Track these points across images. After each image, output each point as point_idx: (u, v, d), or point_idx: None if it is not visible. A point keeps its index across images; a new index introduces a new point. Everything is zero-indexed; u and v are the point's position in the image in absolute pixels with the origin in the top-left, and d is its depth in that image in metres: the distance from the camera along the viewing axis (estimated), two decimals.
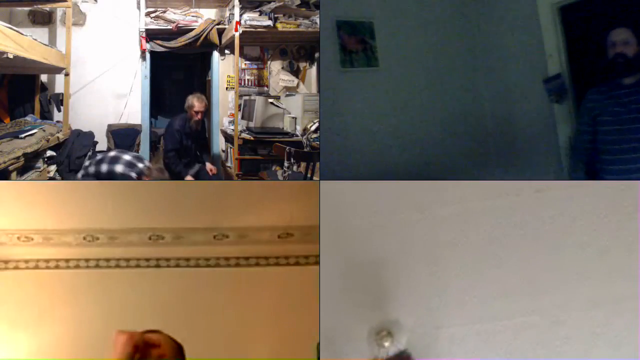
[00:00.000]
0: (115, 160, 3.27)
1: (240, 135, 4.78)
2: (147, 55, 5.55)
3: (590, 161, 2.58)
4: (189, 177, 4.45)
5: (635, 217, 1.94)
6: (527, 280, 1.95)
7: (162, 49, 5.51)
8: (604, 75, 2.60)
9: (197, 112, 4.39)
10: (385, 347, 1.77)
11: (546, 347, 1.94)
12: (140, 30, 5.43)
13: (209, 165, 4.67)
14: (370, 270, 1.97)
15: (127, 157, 3.32)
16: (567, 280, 1.94)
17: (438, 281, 1.96)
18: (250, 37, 5.18)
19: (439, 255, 1.96)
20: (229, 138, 5.23)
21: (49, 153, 4.33)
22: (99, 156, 3.42)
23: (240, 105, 5.26)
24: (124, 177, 3.15)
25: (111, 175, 3.19)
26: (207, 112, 4.77)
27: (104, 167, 3.24)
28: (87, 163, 3.45)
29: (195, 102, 4.41)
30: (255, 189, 2.38)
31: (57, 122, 4.97)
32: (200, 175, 4.57)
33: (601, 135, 2.51)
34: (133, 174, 3.18)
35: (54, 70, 4.85)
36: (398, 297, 1.96)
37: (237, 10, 4.77)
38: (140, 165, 3.28)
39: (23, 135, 3.88)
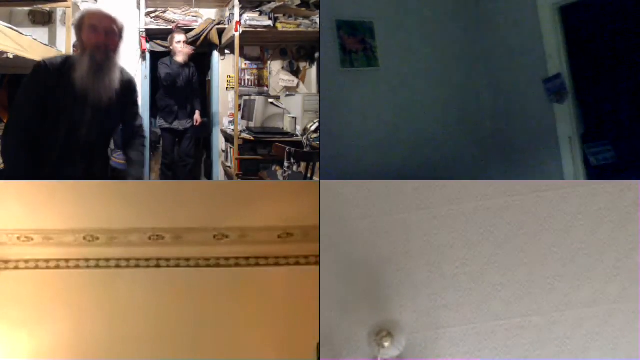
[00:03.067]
0: None
1: (240, 135, 4.78)
2: (147, 55, 5.55)
3: None
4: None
5: (635, 217, 1.95)
6: (527, 280, 1.95)
7: (162, 49, 5.51)
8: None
9: (178, 42, 4.67)
10: (385, 348, 1.77)
11: (545, 347, 1.94)
12: (140, 30, 5.43)
13: (197, 116, 5.06)
14: (369, 271, 1.97)
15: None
16: (566, 280, 1.95)
17: (438, 281, 1.96)
18: (250, 37, 5.18)
19: (439, 256, 1.96)
20: (229, 138, 5.23)
21: None
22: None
23: (240, 105, 5.27)
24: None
25: None
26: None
27: None
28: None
29: (174, 35, 4.83)
30: (255, 189, 2.38)
31: None
32: (188, 131, 4.86)
33: None
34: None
35: None
36: (398, 298, 1.96)
37: (237, 10, 4.77)
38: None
39: None
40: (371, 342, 1.79)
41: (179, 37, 4.99)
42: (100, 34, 2.21)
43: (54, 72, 2.21)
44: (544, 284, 1.94)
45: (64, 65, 2.23)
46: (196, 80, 5.37)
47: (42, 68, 2.23)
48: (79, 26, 2.25)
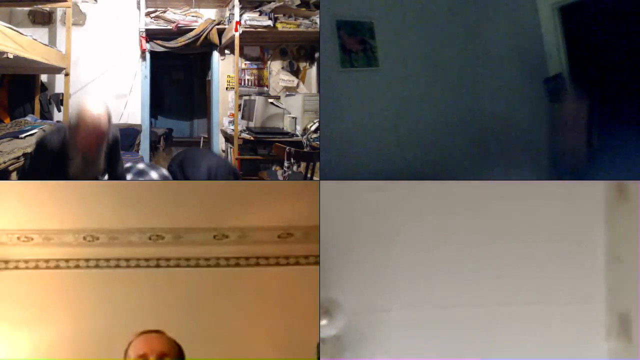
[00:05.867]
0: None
1: (240, 135, 4.78)
2: (147, 55, 5.55)
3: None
4: None
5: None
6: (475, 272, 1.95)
7: (162, 49, 5.51)
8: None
9: None
10: (322, 326, 1.75)
11: (486, 338, 1.94)
12: (140, 30, 5.43)
13: None
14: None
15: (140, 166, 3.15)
16: (514, 277, 1.95)
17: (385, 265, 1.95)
18: (250, 37, 5.18)
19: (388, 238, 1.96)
20: (229, 138, 5.23)
21: None
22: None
23: (240, 105, 5.27)
24: None
25: None
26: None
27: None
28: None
29: None
30: (255, 189, 2.38)
31: (57, 122, 4.97)
32: None
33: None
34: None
35: (54, 70, 4.86)
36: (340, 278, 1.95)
37: (237, 10, 4.77)
38: (153, 173, 3.08)
39: (23, 135, 3.88)
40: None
41: None
42: (92, 139, 2.44)
43: (53, 152, 2.47)
44: (491, 279, 1.94)
45: (61, 147, 2.47)
46: None
47: (43, 147, 2.49)
48: (75, 126, 2.42)
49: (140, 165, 3.10)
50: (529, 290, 1.95)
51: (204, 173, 3.02)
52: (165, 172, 3.05)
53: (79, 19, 5.37)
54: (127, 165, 3.08)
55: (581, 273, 1.95)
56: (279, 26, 5.03)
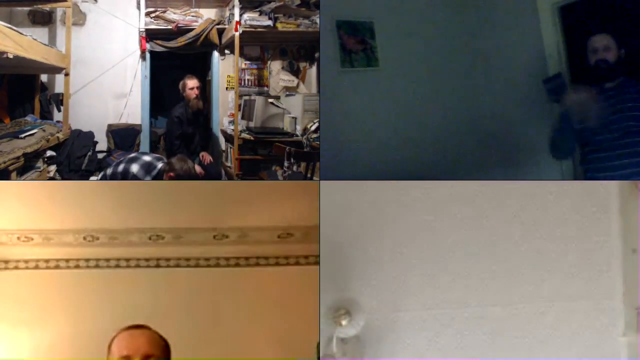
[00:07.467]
0: (132, 160, 3.00)
1: (240, 135, 4.78)
2: (147, 55, 5.55)
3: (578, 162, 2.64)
4: (197, 168, 4.44)
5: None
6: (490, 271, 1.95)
7: (162, 49, 5.51)
8: (586, 80, 2.64)
9: (191, 89, 4.61)
10: (342, 326, 1.74)
11: (504, 338, 1.94)
12: (140, 30, 5.43)
13: (204, 154, 4.70)
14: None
15: (146, 157, 3.03)
16: (529, 275, 1.96)
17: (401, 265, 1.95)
18: (250, 37, 5.18)
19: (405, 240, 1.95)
20: (229, 138, 5.23)
21: (49, 153, 4.33)
22: (120, 158, 3.16)
23: (240, 105, 5.27)
24: (136, 179, 2.87)
25: (125, 175, 2.91)
26: (204, 96, 4.90)
27: (120, 167, 2.97)
28: (109, 170, 3.14)
29: (187, 81, 4.71)
30: (255, 189, 2.38)
31: (57, 122, 4.97)
32: (203, 167, 4.61)
33: (587, 137, 2.55)
34: (148, 178, 2.88)
35: (54, 70, 4.86)
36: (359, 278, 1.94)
37: (237, 10, 4.77)
38: (160, 164, 2.96)
39: (23, 135, 3.88)
40: (328, 320, 1.76)
41: (192, 83, 4.66)
42: None
43: None
44: (507, 276, 1.95)
45: None
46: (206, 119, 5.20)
47: None
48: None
49: (133, 154, 3.13)
50: (546, 286, 1.95)
51: None
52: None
53: (79, 19, 5.37)
54: (132, 155, 3.07)
55: (598, 268, 1.96)
56: (279, 26, 5.02)
